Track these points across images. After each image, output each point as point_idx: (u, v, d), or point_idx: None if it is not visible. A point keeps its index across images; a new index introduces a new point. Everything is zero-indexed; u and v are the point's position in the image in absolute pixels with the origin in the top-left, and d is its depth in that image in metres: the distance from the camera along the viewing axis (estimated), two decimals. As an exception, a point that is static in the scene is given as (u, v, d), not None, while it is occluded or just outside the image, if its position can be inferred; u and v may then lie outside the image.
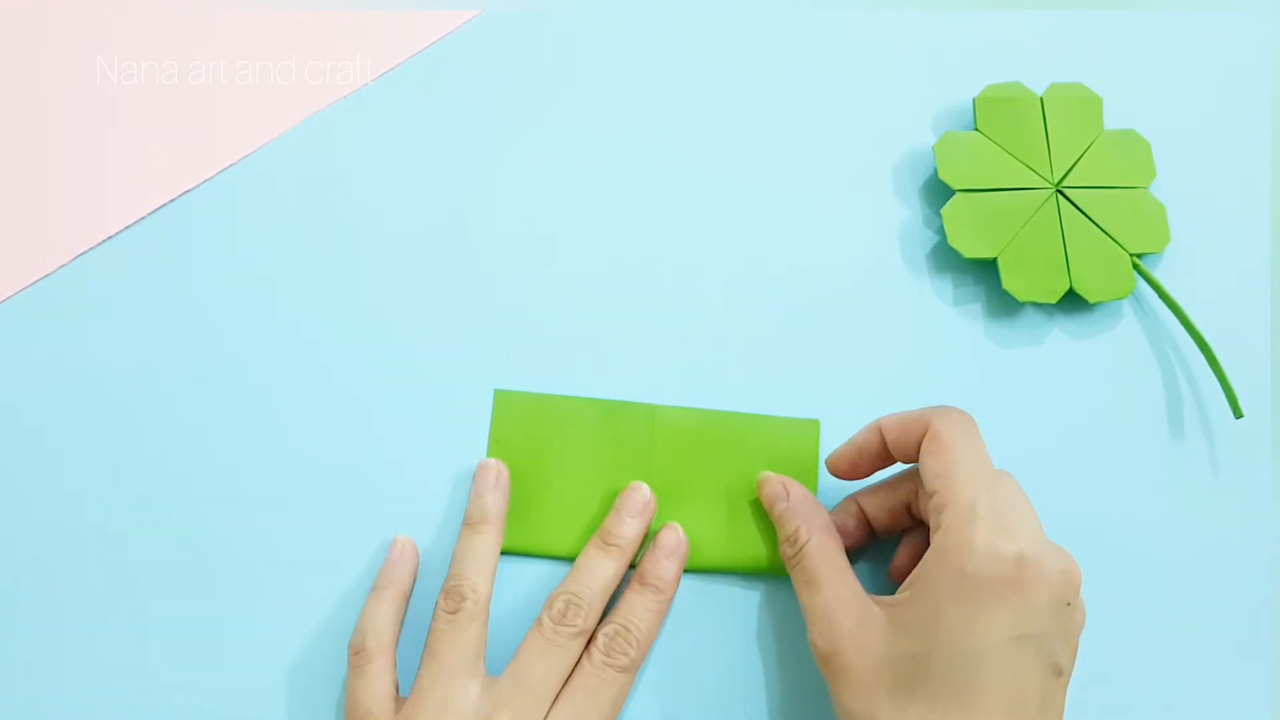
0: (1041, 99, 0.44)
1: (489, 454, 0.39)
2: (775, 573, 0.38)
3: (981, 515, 0.31)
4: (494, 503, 0.37)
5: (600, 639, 0.34)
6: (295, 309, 0.41)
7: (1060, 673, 0.31)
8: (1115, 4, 0.46)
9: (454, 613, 0.34)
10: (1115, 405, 0.41)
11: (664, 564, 0.36)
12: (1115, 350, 0.42)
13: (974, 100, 0.43)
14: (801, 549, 0.35)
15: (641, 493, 0.38)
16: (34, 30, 0.45)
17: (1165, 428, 0.41)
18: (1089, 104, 0.44)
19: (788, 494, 0.36)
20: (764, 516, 0.38)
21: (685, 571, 0.38)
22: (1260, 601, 0.40)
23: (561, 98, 0.44)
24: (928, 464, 0.33)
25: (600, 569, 0.36)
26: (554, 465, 0.39)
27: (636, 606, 0.35)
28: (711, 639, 0.38)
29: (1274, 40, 0.46)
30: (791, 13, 0.46)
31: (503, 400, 0.39)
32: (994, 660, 0.30)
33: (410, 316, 0.41)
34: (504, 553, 0.38)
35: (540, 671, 0.33)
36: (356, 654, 0.35)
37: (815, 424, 0.39)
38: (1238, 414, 0.40)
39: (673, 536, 0.37)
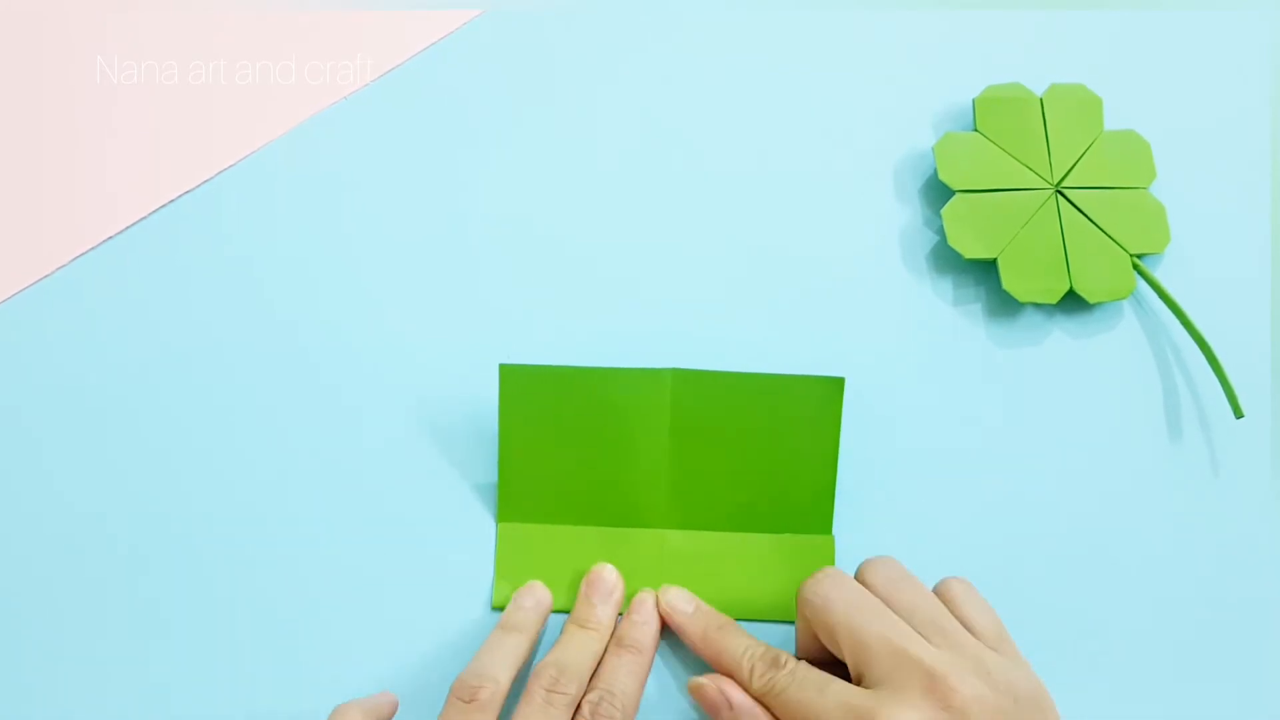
0: (1041, 99, 0.44)
1: (500, 432, 0.38)
2: (803, 529, 0.38)
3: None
4: (532, 618, 0.37)
5: (585, 707, 0.34)
6: (295, 310, 0.41)
7: None
8: (1115, 4, 0.46)
9: (469, 700, 0.33)
10: (1115, 405, 0.41)
11: (641, 628, 0.36)
12: (1115, 350, 0.42)
13: (974, 101, 0.43)
14: None
15: (606, 576, 0.37)
16: (34, 30, 0.45)
17: (1165, 428, 0.41)
18: (1089, 104, 0.44)
19: (730, 703, 0.35)
20: (789, 477, 0.38)
21: (712, 531, 0.38)
22: (1260, 601, 0.40)
23: (562, 98, 0.44)
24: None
25: (584, 643, 0.36)
26: (566, 437, 0.38)
27: (618, 670, 0.35)
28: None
29: (1274, 40, 0.46)
30: (792, 13, 0.46)
31: (507, 375, 0.38)
32: None
33: (412, 317, 0.41)
34: (520, 523, 0.38)
35: None
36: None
37: (840, 381, 0.38)
38: (1238, 414, 0.40)
39: (649, 600, 0.37)
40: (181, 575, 0.38)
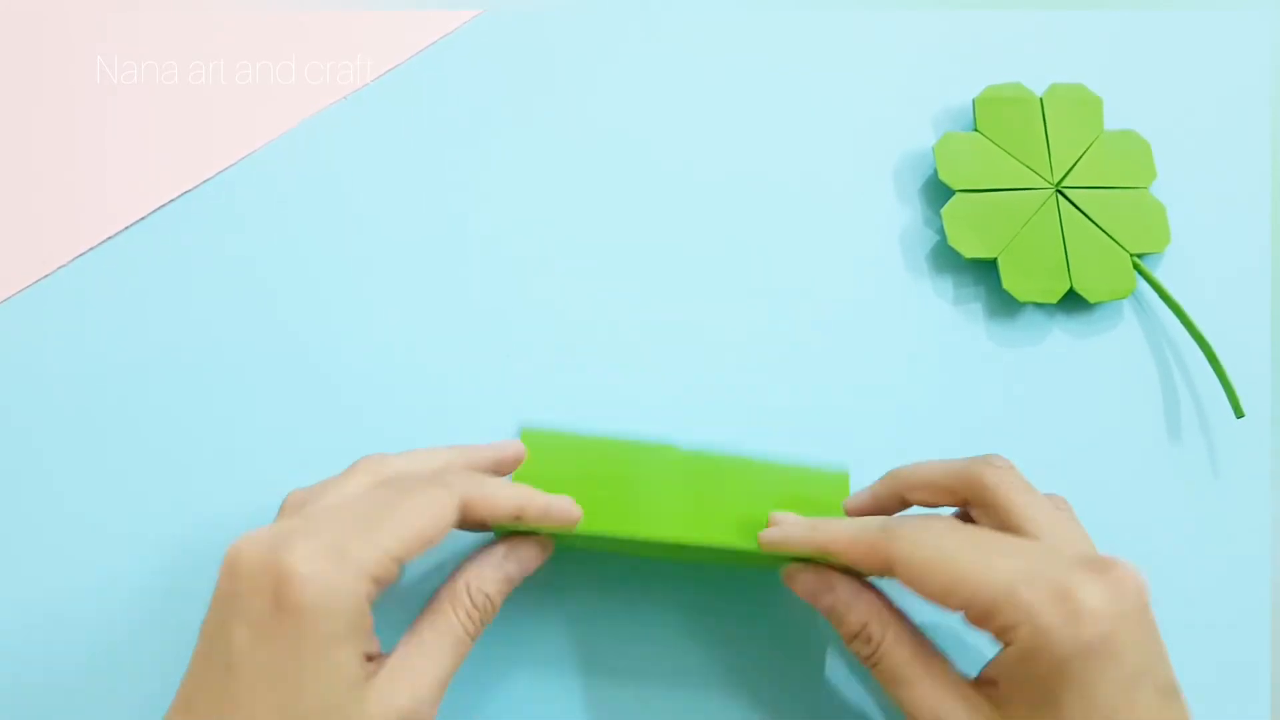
0: (1041, 99, 0.44)
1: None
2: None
3: (1041, 603, 0.27)
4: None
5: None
6: (295, 310, 0.41)
7: (1173, 690, 0.29)
8: (1115, 4, 0.46)
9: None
10: (1115, 405, 0.41)
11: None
12: (1115, 350, 0.42)
13: (974, 101, 0.43)
14: (879, 648, 0.31)
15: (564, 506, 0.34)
16: (34, 29, 0.45)
17: (1165, 428, 0.41)
18: (1089, 104, 0.44)
19: (832, 586, 0.32)
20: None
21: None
22: (1260, 602, 0.40)
23: (562, 98, 0.44)
24: (928, 586, 0.29)
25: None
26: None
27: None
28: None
29: (1274, 40, 0.46)
30: (792, 13, 0.46)
31: (527, 439, 0.37)
32: (1126, 714, 0.28)
33: (411, 317, 0.41)
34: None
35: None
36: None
37: (844, 476, 0.38)
38: (1239, 414, 0.40)
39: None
40: (183, 576, 0.38)
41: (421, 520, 0.29)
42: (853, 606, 0.31)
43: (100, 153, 0.43)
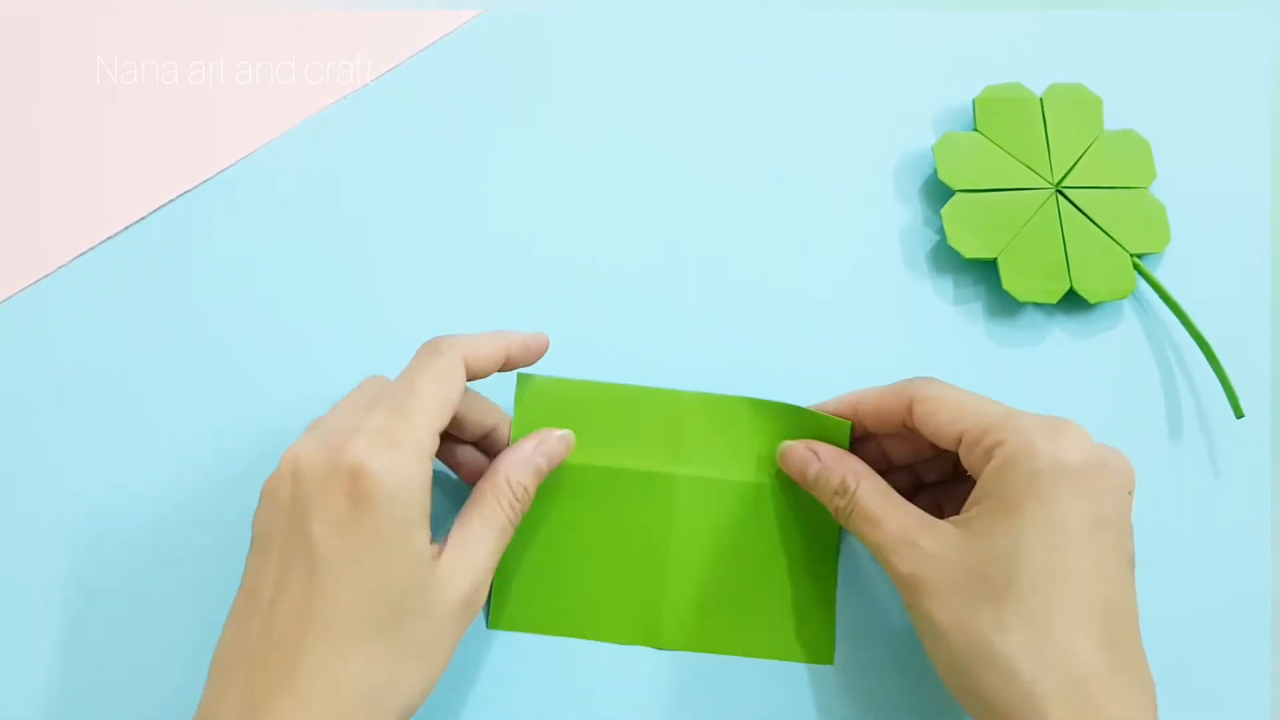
0: (1041, 99, 0.44)
1: (513, 439, 0.37)
2: (812, 550, 0.38)
3: (1033, 426, 0.32)
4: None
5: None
6: (295, 310, 0.41)
7: (1132, 565, 0.32)
8: (1115, 4, 0.46)
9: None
10: (1115, 405, 0.41)
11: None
12: (1115, 350, 0.42)
13: (974, 100, 0.43)
14: (854, 493, 0.35)
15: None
16: (34, 30, 0.45)
17: (1165, 428, 0.41)
18: (1089, 104, 0.44)
19: (818, 455, 0.37)
20: (797, 502, 0.38)
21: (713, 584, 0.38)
22: (1260, 601, 0.40)
23: (562, 98, 0.44)
24: (936, 419, 0.34)
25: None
26: (580, 452, 0.38)
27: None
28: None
29: (1274, 40, 0.46)
30: (792, 13, 0.46)
31: (525, 384, 0.38)
32: (1079, 548, 0.31)
33: (411, 317, 0.41)
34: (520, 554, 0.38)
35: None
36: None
37: (847, 425, 0.37)
38: (1238, 414, 0.40)
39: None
40: (184, 575, 0.38)
41: (442, 387, 0.32)
42: (834, 467, 0.36)
43: (100, 153, 0.43)
